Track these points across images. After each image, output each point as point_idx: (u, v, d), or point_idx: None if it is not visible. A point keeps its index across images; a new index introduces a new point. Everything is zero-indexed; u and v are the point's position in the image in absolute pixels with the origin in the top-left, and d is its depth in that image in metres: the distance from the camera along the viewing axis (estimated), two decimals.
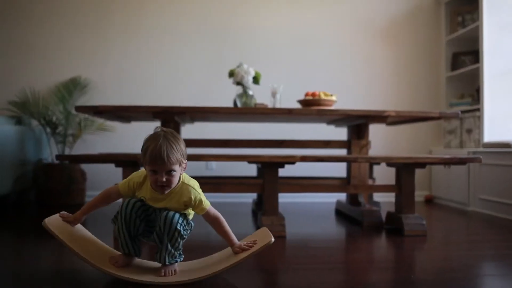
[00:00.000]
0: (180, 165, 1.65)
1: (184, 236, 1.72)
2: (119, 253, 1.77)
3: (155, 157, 1.59)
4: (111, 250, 1.83)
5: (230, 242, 1.80)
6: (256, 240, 1.78)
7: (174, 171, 1.63)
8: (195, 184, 1.74)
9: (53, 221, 1.75)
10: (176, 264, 1.75)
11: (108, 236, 1.86)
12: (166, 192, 1.66)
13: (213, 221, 1.78)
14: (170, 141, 1.62)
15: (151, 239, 1.76)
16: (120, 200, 1.82)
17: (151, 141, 1.63)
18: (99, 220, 2.79)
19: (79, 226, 1.82)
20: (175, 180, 1.66)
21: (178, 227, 1.68)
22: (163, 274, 1.69)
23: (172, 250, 1.71)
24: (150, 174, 1.64)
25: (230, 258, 1.75)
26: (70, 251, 1.67)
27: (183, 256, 1.76)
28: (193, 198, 1.70)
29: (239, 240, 1.81)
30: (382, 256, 2.29)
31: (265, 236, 1.79)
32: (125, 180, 1.76)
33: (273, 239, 1.74)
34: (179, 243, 1.72)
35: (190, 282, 1.64)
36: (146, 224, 1.74)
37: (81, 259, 1.66)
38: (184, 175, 1.72)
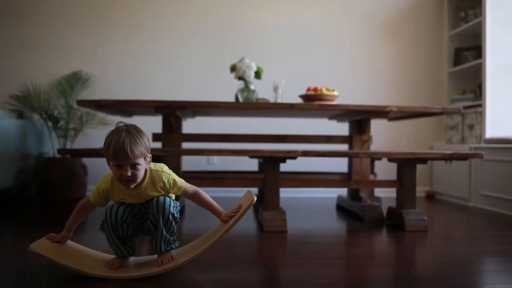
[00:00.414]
0: (145, 158, 1.63)
1: (178, 219, 1.73)
2: (114, 256, 1.77)
3: (118, 150, 1.56)
4: (106, 255, 1.82)
5: (216, 212, 1.81)
6: (241, 205, 1.79)
7: (139, 164, 1.60)
8: (162, 167, 1.73)
9: (40, 244, 1.73)
10: (172, 251, 1.76)
11: (102, 237, 1.87)
12: (132, 186, 1.63)
13: (193, 196, 1.79)
14: (132, 135, 1.60)
15: (143, 233, 1.77)
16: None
17: (114, 135, 1.60)
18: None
19: (68, 242, 1.80)
20: (141, 174, 1.63)
21: (171, 210, 1.69)
22: (160, 263, 1.70)
23: (168, 236, 1.71)
24: (114, 169, 1.61)
25: (220, 229, 1.76)
26: (67, 268, 1.66)
27: (177, 242, 1.77)
28: (165, 181, 1.69)
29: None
30: (383, 252, 2.29)
31: (248, 198, 1.80)
32: (93, 189, 1.72)
33: (255, 198, 1.77)
34: (174, 228, 1.73)
35: (190, 261, 1.68)
36: (135, 224, 1.73)
37: (79, 272, 1.65)
38: (150, 164, 1.70)
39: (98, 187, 1.70)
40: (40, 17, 4.26)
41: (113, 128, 1.66)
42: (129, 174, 1.59)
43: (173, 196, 1.78)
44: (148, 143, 1.66)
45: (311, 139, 3.60)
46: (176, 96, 4.18)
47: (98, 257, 1.81)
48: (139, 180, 1.64)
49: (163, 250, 1.72)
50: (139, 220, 1.74)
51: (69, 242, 1.81)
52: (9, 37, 4.23)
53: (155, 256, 1.78)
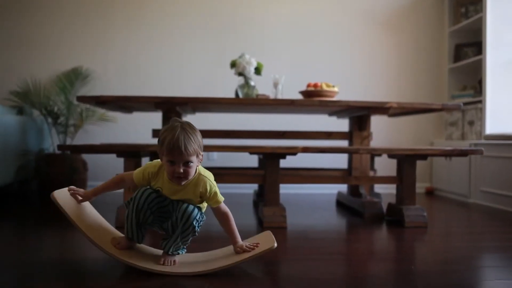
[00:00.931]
0: (197, 156, 1.64)
1: (196, 233, 1.72)
2: (122, 235, 1.78)
3: (172, 147, 1.58)
4: (115, 231, 1.83)
5: (233, 240, 1.79)
6: (258, 243, 1.78)
7: (192, 162, 1.62)
8: (210, 175, 1.74)
9: (62, 195, 1.74)
10: (177, 255, 1.76)
11: (112, 216, 1.87)
12: (183, 183, 1.65)
13: (222, 216, 1.77)
14: (187, 132, 1.61)
15: (159, 227, 1.77)
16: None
17: (169, 132, 1.61)
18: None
19: (87, 203, 1.82)
20: (192, 172, 1.65)
21: (194, 223, 1.68)
22: (162, 262, 1.70)
23: (180, 243, 1.72)
24: (167, 165, 1.62)
25: (231, 257, 1.75)
26: (75, 227, 1.67)
27: (185, 250, 1.78)
28: (208, 189, 1.70)
29: (242, 239, 1.80)
30: (383, 248, 2.29)
31: (268, 240, 1.78)
32: (139, 169, 1.74)
33: (275, 244, 1.74)
34: (189, 238, 1.72)
35: (186, 276, 1.65)
36: (156, 215, 1.73)
37: (85, 237, 1.67)
38: (199, 167, 1.71)
39: (145, 170, 1.72)
40: (40, 13, 4.25)
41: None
42: (181, 171, 1.61)
43: (204, 209, 1.78)
44: (202, 141, 1.67)
45: (311, 135, 3.60)
46: (176, 92, 4.17)
47: (108, 230, 1.81)
48: (190, 177, 1.65)
49: (169, 253, 1.73)
50: (162, 215, 1.74)
51: (88, 204, 1.83)
52: (9, 33, 4.22)
53: (159, 251, 1.79)
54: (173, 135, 1.59)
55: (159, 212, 1.73)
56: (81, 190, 1.80)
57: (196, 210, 1.70)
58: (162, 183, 1.69)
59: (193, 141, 1.61)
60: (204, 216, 1.76)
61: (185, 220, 1.67)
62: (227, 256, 1.78)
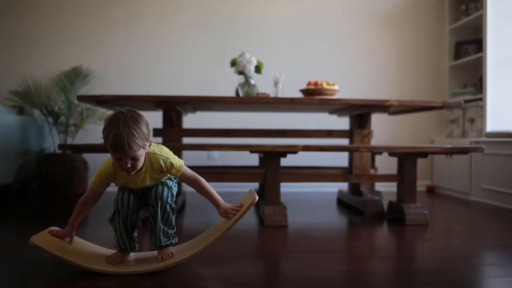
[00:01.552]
0: (144, 148, 1.62)
1: (175, 210, 1.75)
2: (114, 251, 1.77)
3: (116, 146, 1.55)
4: (107, 250, 1.83)
5: (215, 203, 1.79)
6: (242, 203, 1.79)
7: (138, 156, 1.60)
8: (161, 149, 1.72)
9: (41, 238, 1.72)
10: (171, 247, 1.77)
11: (104, 232, 1.86)
12: (133, 173, 1.65)
13: (192, 182, 1.77)
14: (130, 127, 1.55)
15: (144, 222, 1.79)
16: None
17: (111, 127, 1.56)
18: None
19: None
20: (140, 163, 1.64)
21: (168, 201, 1.72)
22: (160, 259, 1.71)
23: (166, 228, 1.73)
24: (115, 161, 1.62)
25: (221, 227, 1.77)
26: (68, 262, 1.66)
27: (177, 237, 1.79)
28: (163, 164, 1.69)
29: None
30: (384, 246, 2.29)
31: (250, 197, 1.80)
32: (94, 176, 1.71)
33: (257, 197, 1.76)
34: (172, 219, 1.74)
35: (190, 259, 1.68)
36: (139, 208, 1.77)
37: (80, 267, 1.65)
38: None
39: (101, 173, 1.69)
40: (40, 13, 4.25)
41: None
42: (129, 166, 1.60)
43: (175, 183, 1.79)
44: (147, 131, 1.63)
45: (311, 133, 3.60)
46: (177, 91, 4.17)
47: (99, 252, 1.81)
48: (139, 167, 1.65)
49: (163, 244, 1.73)
50: (143, 208, 1.78)
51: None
52: (9, 33, 4.22)
53: (155, 252, 1.79)
54: (116, 133, 1.54)
55: (140, 209, 1.77)
56: (60, 231, 1.77)
57: (166, 190, 1.72)
58: (123, 177, 1.69)
59: (137, 136, 1.56)
60: (176, 187, 1.79)
61: (160, 202, 1.70)
62: (216, 229, 1.80)
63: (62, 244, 1.74)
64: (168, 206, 1.72)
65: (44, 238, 1.73)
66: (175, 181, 1.81)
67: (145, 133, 1.61)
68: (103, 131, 1.59)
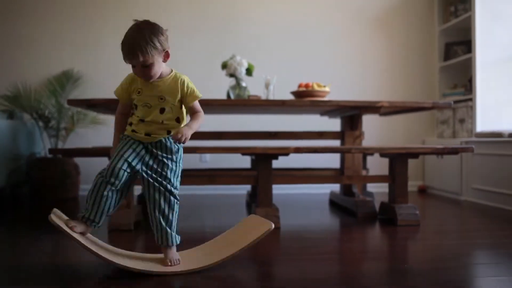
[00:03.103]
0: (159, 54, 1.64)
1: (176, 206, 1.77)
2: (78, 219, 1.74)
3: (127, 52, 1.60)
4: (115, 249, 1.84)
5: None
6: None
7: (148, 63, 1.62)
8: (187, 77, 1.77)
9: (60, 218, 1.73)
10: (175, 251, 1.77)
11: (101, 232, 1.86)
12: (150, 79, 1.66)
13: (195, 114, 1.79)
14: (142, 33, 1.59)
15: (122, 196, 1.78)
16: None
17: (124, 37, 1.62)
18: None
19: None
20: (155, 71, 1.65)
21: (171, 197, 1.74)
22: (169, 264, 1.72)
23: (167, 228, 1.74)
24: (132, 67, 1.66)
25: (231, 247, 1.79)
26: (78, 244, 1.66)
27: (179, 236, 1.79)
28: (186, 83, 1.73)
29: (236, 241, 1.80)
30: (376, 246, 2.30)
31: (261, 223, 1.82)
32: (117, 88, 1.77)
33: (273, 226, 1.79)
34: (173, 218, 1.76)
35: (197, 271, 1.69)
36: (129, 182, 1.77)
37: (89, 251, 1.65)
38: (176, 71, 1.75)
39: (122, 83, 1.74)
40: (30, 15, 4.23)
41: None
42: (141, 72, 1.63)
43: (178, 171, 1.78)
44: (163, 38, 1.67)
45: (303, 135, 3.61)
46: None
47: (105, 245, 1.81)
48: (155, 76, 1.66)
49: (169, 245, 1.74)
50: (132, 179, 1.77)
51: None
52: (0, 32, 4.20)
53: (160, 255, 1.80)
54: (124, 41, 1.60)
55: (131, 178, 1.75)
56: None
57: (162, 198, 1.73)
58: (141, 83, 1.71)
59: (147, 41, 1.59)
60: (179, 175, 1.78)
61: (161, 200, 1.73)
62: (227, 246, 1.81)
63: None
64: (170, 203, 1.74)
65: (62, 217, 1.73)
66: (179, 168, 1.78)
67: (159, 39, 1.64)
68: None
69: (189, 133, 1.67)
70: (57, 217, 1.71)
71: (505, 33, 3.84)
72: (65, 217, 1.75)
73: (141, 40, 1.58)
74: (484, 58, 3.84)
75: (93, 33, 4.29)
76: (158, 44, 1.62)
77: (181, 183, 2.84)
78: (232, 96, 3.23)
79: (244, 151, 2.63)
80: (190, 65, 4.35)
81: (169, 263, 1.72)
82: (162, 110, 1.71)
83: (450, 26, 4.33)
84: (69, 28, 4.27)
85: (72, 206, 3.49)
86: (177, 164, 1.78)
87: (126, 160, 1.69)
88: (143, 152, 1.73)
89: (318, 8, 4.52)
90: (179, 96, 1.72)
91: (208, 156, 4.33)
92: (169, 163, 1.75)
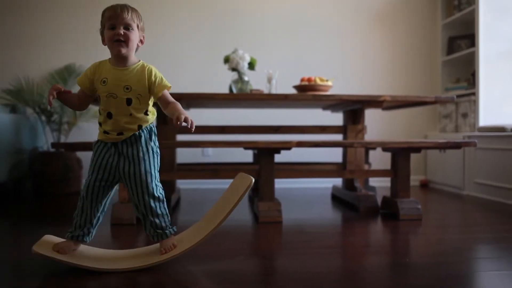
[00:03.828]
0: (137, 27, 1.69)
1: (162, 195, 1.74)
2: (63, 240, 1.75)
3: (114, 11, 1.66)
4: (106, 250, 1.84)
5: (176, 112, 1.67)
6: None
7: (131, 27, 1.66)
8: (155, 67, 1.74)
9: (43, 245, 1.72)
10: (172, 237, 1.77)
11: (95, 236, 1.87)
12: (124, 51, 1.65)
13: (168, 104, 1.72)
14: (129, 6, 1.70)
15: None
16: None
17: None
18: None
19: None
20: (133, 38, 1.67)
21: (154, 192, 1.70)
22: (164, 251, 1.72)
23: (159, 221, 1.73)
24: (108, 33, 1.66)
25: (217, 215, 1.79)
26: (70, 265, 1.66)
27: (174, 227, 1.79)
28: (154, 73, 1.69)
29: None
30: (378, 240, 2.31)
31: (244, 181, 1.81)
32: (80, 76, 1.77)
33: (253, 180, 1.79)
34: (162, 209, 1.74)
35: (193, 247, 1.71)
36: (107, 192, 1.75)
37: (81, 267, 1.65)
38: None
39: (86, 71, 1.75)
40: (32, 10, 4.22)
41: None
42: (122, 32, 1.64)
43: (157, 159, 1.75)
44: (142, 25, 1.74)
45: (305, 129, 3.61)
46: (170, 88, 4.16)
47: (98, 252, 1.81)
48: (130, 44, 1.66)
49: (164, 238, 1.74)
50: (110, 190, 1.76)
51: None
52: (1, 31, 4.19)
53: (156, 245, 1.80)
54: (114, 5, 1.69)
55: (107, 190, 1.73)
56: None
57: (148, 177, 1.69)
58: (106, 71, 1.69)
59: (134, 12, 1.69)
60: (158, 162, 1.74)
61: (145, 197, 1.69)
62: (214, 217, 1.81)
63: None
64: (154, 198, 1.71)
65: (46, 245, 1.72)
66: (157, 156, 1.75)
67: (140, 17, 1.72)
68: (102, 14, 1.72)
69: (187, 115, 1.64)
70: (40, 247, 1.70)
71: (509, 27, 3.82)
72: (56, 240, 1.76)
73: (128, 6, 1.69)
74: (488, 52, 3.82)
75: (95, 27, 4.25)
76: (141, 21, 1.72)
77: (184, 177, 2.87)
78: (234, 90, 3.23)
79: (246, 145, 2.63)
80: (193, 59, 4.35)
81: (163, 251, 1.72)
82: (128, 101, 1.66)
83: (454, 19, 4.30)
84: (71, 22, 4.26)
85: (75, 200, 3.50)
86: (154, 154, 1.73)
87: (100, 180, 1.70)
88: (115, 161, 1.71)
89: (321, 2, 4.50)
90: (146, 85, 1.68)
91: (210, 150, 4.33)
92: (147, 157, 1.70)
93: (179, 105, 1.70)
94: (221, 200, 1.89)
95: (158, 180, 1.75)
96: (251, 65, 3.24)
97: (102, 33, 1.72)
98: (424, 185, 4.49)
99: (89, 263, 1.67)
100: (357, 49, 4.53)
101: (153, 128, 1.75)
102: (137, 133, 1.69)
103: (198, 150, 4.28)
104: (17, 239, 2.26)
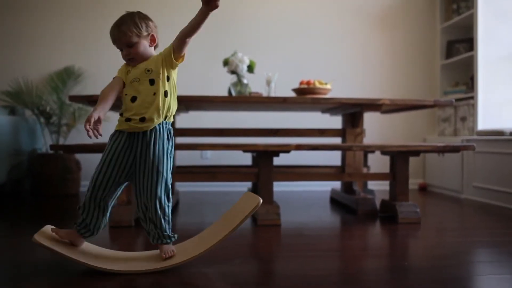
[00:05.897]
0: (140, 36, 1.71)
1: (169, 204, 1.74)
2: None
3: (112, 36, 1.71)
4: (109, 250, 1.83)
5: (201, 15, 1.86)
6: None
7: (133, 42, 1.69)
8: None
9: (43, 235, 1.72)
10: (171, 245, 1.76)
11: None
12: (137, 63, 1.72)
13: (181, 36, 1.86)
14: (127, 16, 1.72)
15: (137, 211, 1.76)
16: None
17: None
18: None
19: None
20: (140, 50, 1.72)
21: (162, 196, 1.70)
22: (164, 256, 1.72)
23: (162, 225, 1.73)
24: (121, 53, 1.74)
25: (223, 229, 1.78)
26: (69, 260, 1.66)
27: (176, 234, 1.78)
28: (162, 51, 1.77)
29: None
30: (376, 244, 2.30)
31: (251, 200, 1.80)
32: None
33: (261, 200, 1.77)
34: (167, 215, 1.74)
35: (193, 259, 1.70)
36: (114, 190, 1.75)
37: (83, 264, 1.66)
38: None
39: (123, 66, 1.81)
40: (31, 11, 4.23)
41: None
42: (127, 53, 1.70)
43: (170, 161, 1.75)
44: (151, 23, 1.80)
45: (304, 132, 3.61)
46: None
47: (98, 250, 1.81)
48: (139, 55, 1.72)
49: (164, 242, 1.73)
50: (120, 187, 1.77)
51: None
52: (0, 32, 4.19)
53: (156, 251, 1.80)
54: (111, 27, 1.72)
55: (116, 186, 1.74)
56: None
57: (159, 180, 1.69)
58: (131, 67, 1.76)
59: (130, 21, 1.70)
60: (171, 163, 1.75)
61: (152, 199, 1.69)
62: (218, 231, 1.80)
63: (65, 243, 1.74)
64: (161, 199, 1.71)
65: (47, 235, 1.72)
66: (171, 158, 1.76)
67: (139, 22, 1.73)
68: None
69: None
70: (41, 236, 1.71)
71: (507, 31, 3.83)
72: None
73: (127, 20, 1.70)
74: (486, 56, 3.83)
75: (95, 29, 4.29)
76: (142, 25, 1.73)
77: (183, 180, 2.86)
78: (233, 93, 3.23)
79: (245, 148, 2.63)
80: (192, 61, 4.35)
81: (164, 256, 1.71)
82: (152, 82, 1.72)
83: (452, 23, 4.32)
84: (70, 24, 4.27)
85: (73, 202, 3.50)
86: (168, 155, 1.75)
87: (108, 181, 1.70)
88: (130, 158, 1.72)
89: (320, 6, 4.51)
90: (161, 62, 1.74)
91: (209, 153, 4.33)
92: (161, 157, 1.71)
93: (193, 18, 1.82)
94: (226, 216, 1.89)
95: (169, 182, 1.75)
96: (250, 68, 3.24)
97: None
98: (423, 189, 4.49)
99: (88, 260, 1.67)
100: (356, 52, 4.54)
101: (171, 130, 1.77)
102: (156, 126, 1.71)
103: (197, 152, 4.28)
104: (15, 240, 2.26)
